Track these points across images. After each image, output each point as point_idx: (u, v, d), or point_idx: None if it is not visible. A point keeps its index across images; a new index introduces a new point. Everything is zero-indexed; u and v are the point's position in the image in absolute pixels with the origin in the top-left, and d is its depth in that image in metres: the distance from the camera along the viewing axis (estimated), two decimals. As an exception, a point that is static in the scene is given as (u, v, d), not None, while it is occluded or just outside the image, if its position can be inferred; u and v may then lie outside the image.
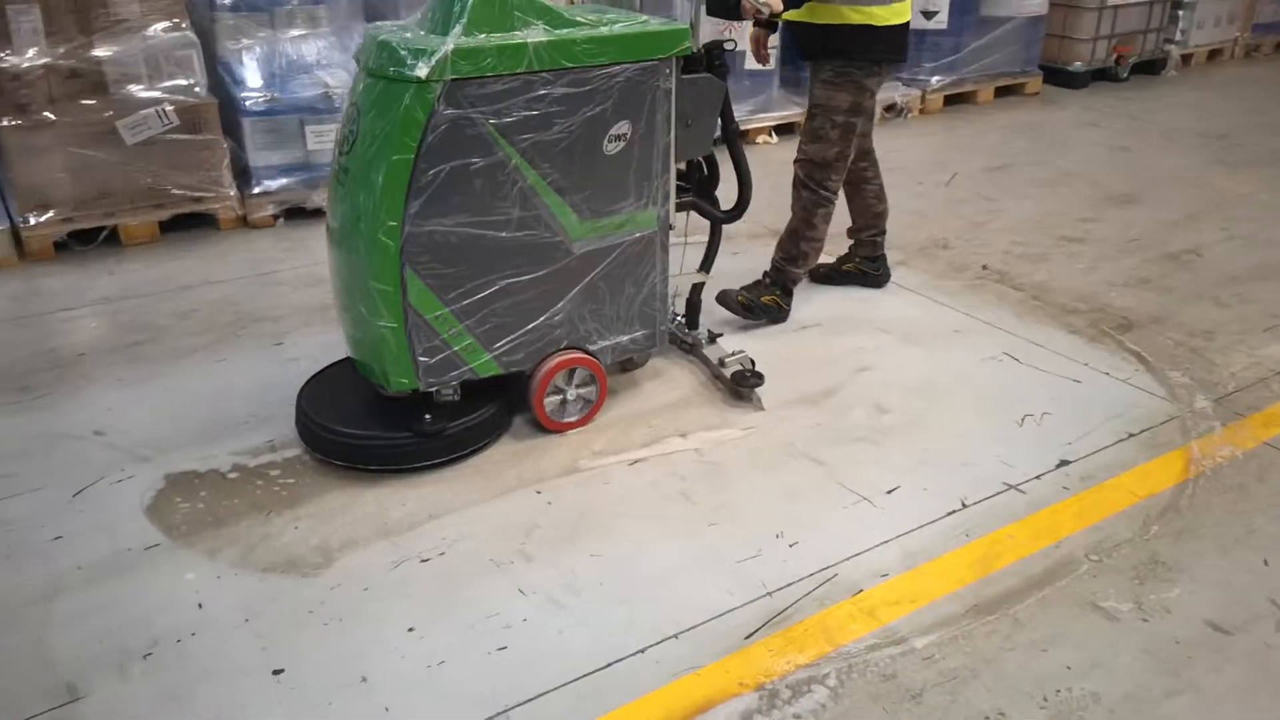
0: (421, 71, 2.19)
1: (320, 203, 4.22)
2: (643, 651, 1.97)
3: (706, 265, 3.01)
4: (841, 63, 3.07)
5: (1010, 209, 4.48)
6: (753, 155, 5.24)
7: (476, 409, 2.57)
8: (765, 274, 3.36)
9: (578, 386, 2.68)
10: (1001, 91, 6.46)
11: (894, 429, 2.73)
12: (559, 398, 2.67)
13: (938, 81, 6.14)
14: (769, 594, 2.12)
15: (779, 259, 3.33)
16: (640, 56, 2.43)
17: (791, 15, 2.99)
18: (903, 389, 2.93)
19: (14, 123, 3.68)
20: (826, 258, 3.54)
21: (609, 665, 1.93)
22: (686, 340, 3.08)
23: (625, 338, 2.71)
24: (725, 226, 2.98)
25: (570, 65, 2.33)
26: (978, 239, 4.12)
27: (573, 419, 2.70)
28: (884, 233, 3.57)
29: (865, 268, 3.60)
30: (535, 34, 2.29)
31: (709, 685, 1.89)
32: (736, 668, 1.92)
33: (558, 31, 2.32)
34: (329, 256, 2.52)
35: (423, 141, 2.24)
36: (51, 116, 3.71)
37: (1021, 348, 3.18)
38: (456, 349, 2.47)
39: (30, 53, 3.67)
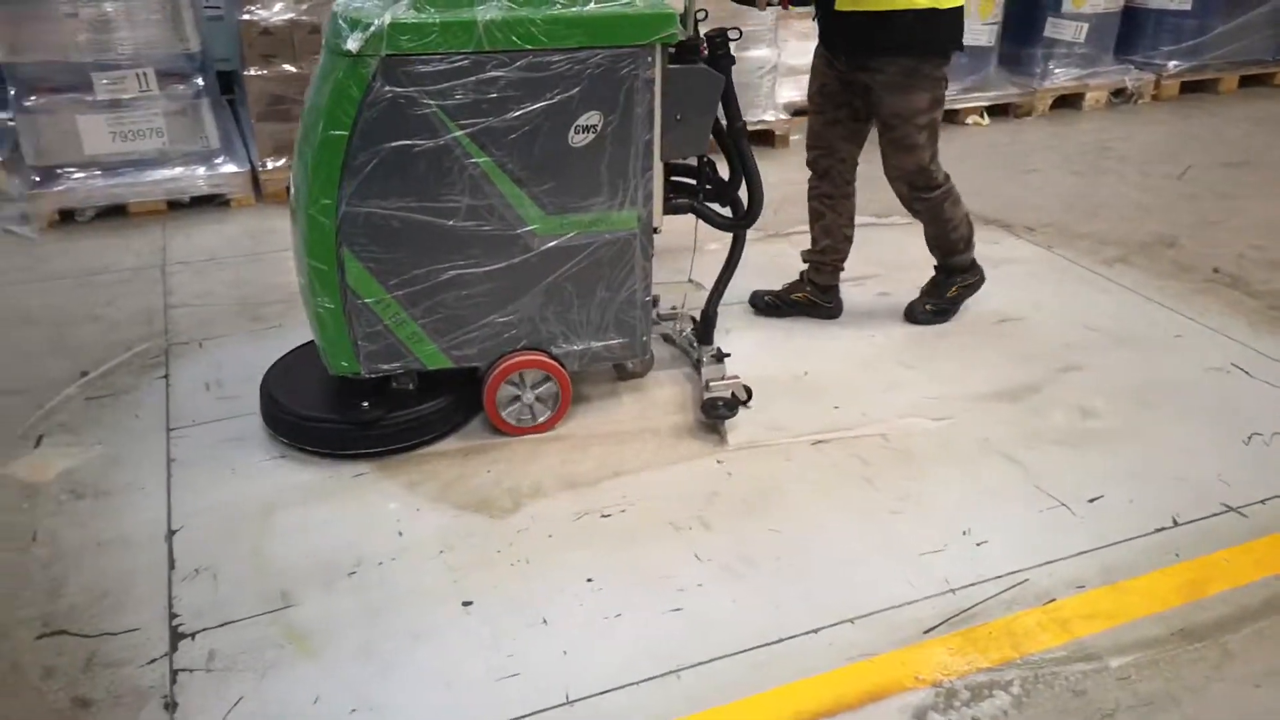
0: (353, 45, 2.05)
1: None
2: (816, 632, 1.95)
3: (723, 277, 2.72)
4: (908, 60, 2.67)
5: (1249, 209, 4.09)
6: (960, 137, 5.10)
7: (424, 402, 2.46)
8: (936, 270, 3.14)
9: (533, 388, 2.50)
10: (1247, 81, 5.89)
11: (1100, 434, 2.57)
12: (515, 399, 2.50)
13: (1175, 66, 5.66)
14: (952, 590, 2.05)
15: (941, 259, 3.09)
16: (613, 42, 2.19)
17: (841, 2, 2.62)
18: (1112, 392, 2.75)
19: (259, 73, 3.98)
20: (773, 285, 3.22)
21: (781, 641, 1.93)
22: (691, 355, 2.83)
23: (598, 344, 2.52)
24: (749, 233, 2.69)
25: (526, 47, 2.13)
26: (1210, 239, 3.79)
27: (530, 424, 2.53)
28: (844, 262, 3.15)
29: (816, 298, 3.15)
30: (489, 11, 2.10)
31: (882, 674, 1.85)
32: (913, 661, 1.87)
33: (516, 10, 2.12)
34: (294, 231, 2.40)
35: (358, 119, 2.11)
36: (292, 69, 3.99)
37: (1253, 360, 2.91)
38: (400, 337, 2.36)
39: (277, 7, 3.95)
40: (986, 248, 3.71)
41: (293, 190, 2.32)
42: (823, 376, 2.85)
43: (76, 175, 3.86)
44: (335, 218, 2.19)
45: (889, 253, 3.66)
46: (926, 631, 1.95)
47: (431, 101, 2.14)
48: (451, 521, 2.24)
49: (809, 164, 3.04)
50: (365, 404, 2.41)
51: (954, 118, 5.25)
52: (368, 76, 2.09)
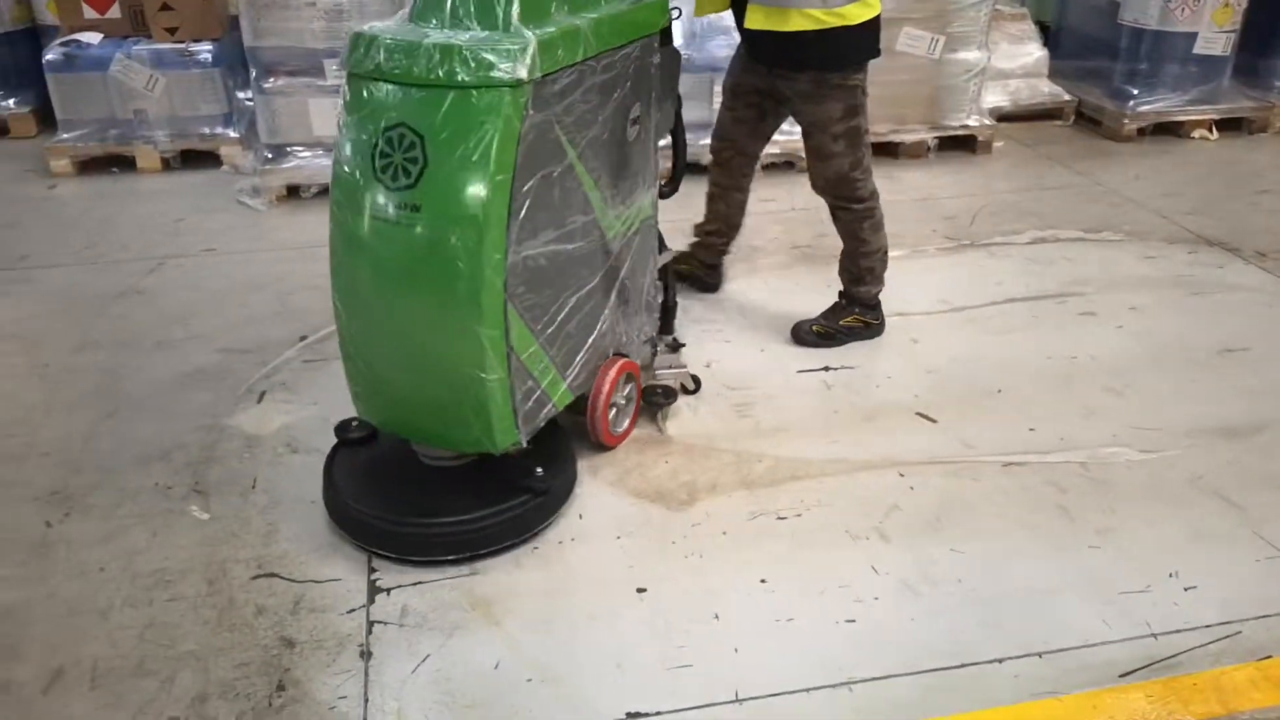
0: (521, 72, 1.82)
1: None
2: (999, 662, 1.87)
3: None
4: (817, 72, 2.67)
5: None
6: (1183, 151, 4.75)
7: (550, 450, 2.24)
8: (839, 295, 3.00)
9: (622, 394, 2.45)
10: None
11: (1334, 484, 2.34)
12: (614, 409, 2.43)
13: None
14: (1154, 635, 1.91)
15: (846, 282, 2.96)
16: (644, 33, 2.21)
17: (750, 21, 2.59)
18: (1352, 440, 2.50)
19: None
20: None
21: (961, 666, 1.86)
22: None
23: (645, 329, 2.54)
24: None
25: (608, 48, 2.07)
26: None
27: (623, 428, 2.49)
28: (729, 245, 3.26)
29: (699, 271, 3.28)
30: (576, 19, 1.99)
31: (1071, 714, 1.75)
32: (1106, 705, 1.77)
33: (591, 14, 2.03)
34: (354, 314, 2.07)
35: (517, 155, 1.88)
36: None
37: None
38: (544, 385, 2.13)
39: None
40: (1209, 271, 3.47)
41: (397, 268, 1.96)
42: (1017, 395, 2.73)
43: (304, 154, 4.17)
44: (505, 272, 1.93)
45: (1096, 270, 3.46)
46: (1122, 675, 1.83)
47: (557, 122, 1.98)
48: (629, 509, 2.28)
49: (711, 151, 3.13)
50: (539, 469, 2.16)
51: (1177, 131, 4.90)
52: (525, 106, 1.86)
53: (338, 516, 2.17)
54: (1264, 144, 4.89)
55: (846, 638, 1.93)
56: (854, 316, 3.00)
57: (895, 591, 2.04)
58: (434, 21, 1.94)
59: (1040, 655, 1.87)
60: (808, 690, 1.81)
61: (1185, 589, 2.03)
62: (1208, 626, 1.93)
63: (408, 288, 1.97)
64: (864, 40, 2.69)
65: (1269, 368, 2.84)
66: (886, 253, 2.96)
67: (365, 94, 1.93)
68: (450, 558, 2.09)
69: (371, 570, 2.09)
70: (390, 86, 1.90)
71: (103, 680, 1.84)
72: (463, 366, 1.98)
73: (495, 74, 1.83)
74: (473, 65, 1.83)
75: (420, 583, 2.05)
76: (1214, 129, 4.92)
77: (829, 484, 2.37)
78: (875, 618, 1.97)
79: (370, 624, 1.95)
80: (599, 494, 2.33)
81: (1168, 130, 4.91)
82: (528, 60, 1.83)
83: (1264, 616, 1.95)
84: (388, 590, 2.04)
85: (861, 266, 2.94)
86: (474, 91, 1.84)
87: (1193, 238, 3.72)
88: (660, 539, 2.19)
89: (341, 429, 2.28)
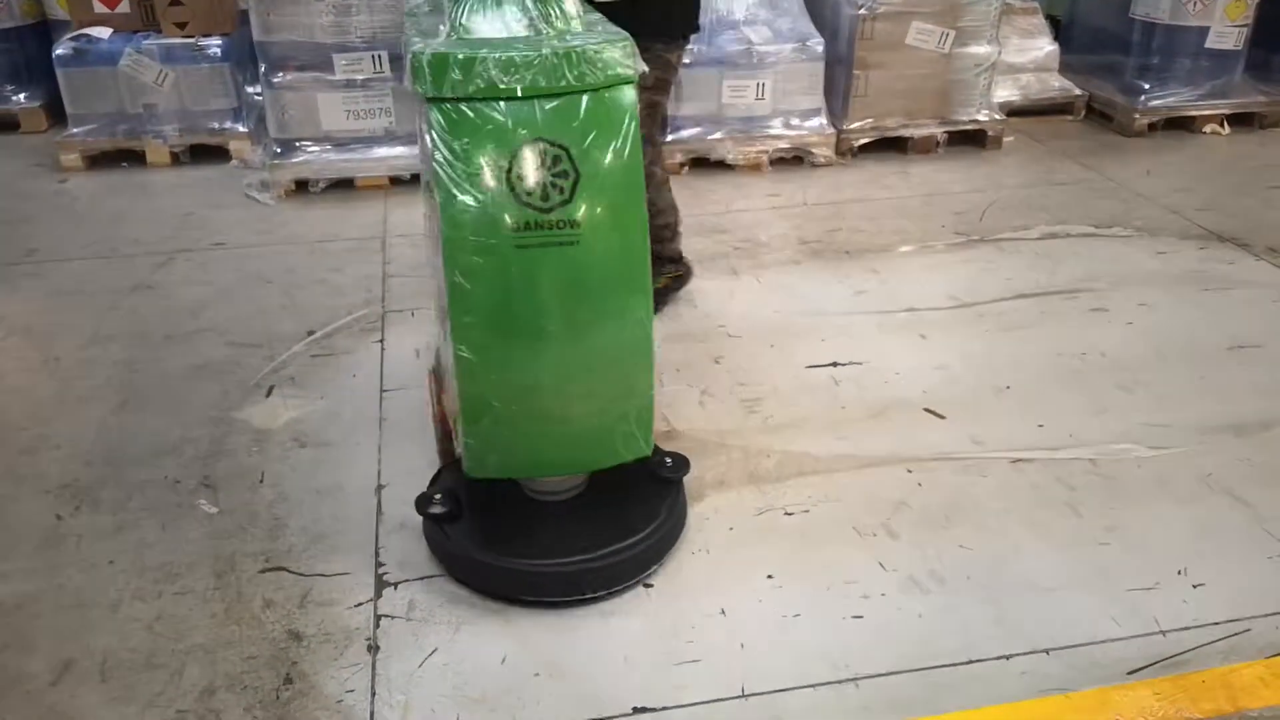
0: (641, 67, 1.79)
1: (726, 154, 4.38)
2: (1007, 658, 1.86)
3: None
4: (642, 40, 2.47)
5: None
6: (1194, 146, 4.73)
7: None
8: None
9: None
10: None
11: (1346, 482, 2.33)
12: None
13: None
14: (1162, 633, 1.91)
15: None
16: None
17: None
18: (1363, 437, 2.48)
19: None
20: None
21: (969, 663, 1.85)
22: None
23: None
24: None
25: None
26: None
27: None
28: (679, 225, 3.12)
29: (672, 273, 3.12)
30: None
31: (1079, 711, 1.75)
32: (1115, 702, 1.76)
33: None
34: (499, 362, 1.84)
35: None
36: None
37: None
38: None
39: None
40: (1220, 267, 3.45)
41: (573, 299, 1.84)
42: (1026, 391, 2.72)
43: (312, 149, 4.17)
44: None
45: (1107, 266, 3.44)
46: (1131, 673, 1.82)
47: None
48: (637, 504, 2.28)
49: None
50: (666, 459, 2.18)
51: (1189, 126, 4.87)
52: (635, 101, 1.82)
53: (483, 576, 2.01)
54: (1276, 139, 4.86)
55: (853, 634, 1.92)
56: (665, 277, 3.05)
57: (903, 588, 2.03)
58: (496, 27, 1.81)
59: (1048, 652, 1.87)
60: (814, 686, 1.81)
61: (1194, 586, 2.02)
62: (1217, 624, 1.92)
63: (580, 305, 1.85)
64: (688, 12, 2.77)
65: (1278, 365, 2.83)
66: (675, 206, 3.06)
67: (474, 116, 1.72)
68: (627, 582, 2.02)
69: (379, 565, 2.10)
70: (509, 104, 1.72)
71: (112, 672, 1.85)
72: (636, 371, 1.93)
73: (621, 71, 1.77)
74: (599, 66, 1.75)
75: (427, 576, 2.06)
76: (1225, 124, 4.89)
77: (837, 480, 2.37)
78: (882, 614, 1.97)
79: (378, 618, 1.96)
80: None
81: (1179, 125, 4.88)
82: (635, 54, 1.79)
83: (1273, 614, 1.95)
84: (395, 584, 2.04)
85: (658, 226, 2.86)
86: (605, 93, 1.78)
87: (1204, 233, 3.70)
88: (667, 534, 2.19)
89: (423, 503, 2.06)
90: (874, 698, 1.79)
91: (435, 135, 1.72)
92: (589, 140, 1.76)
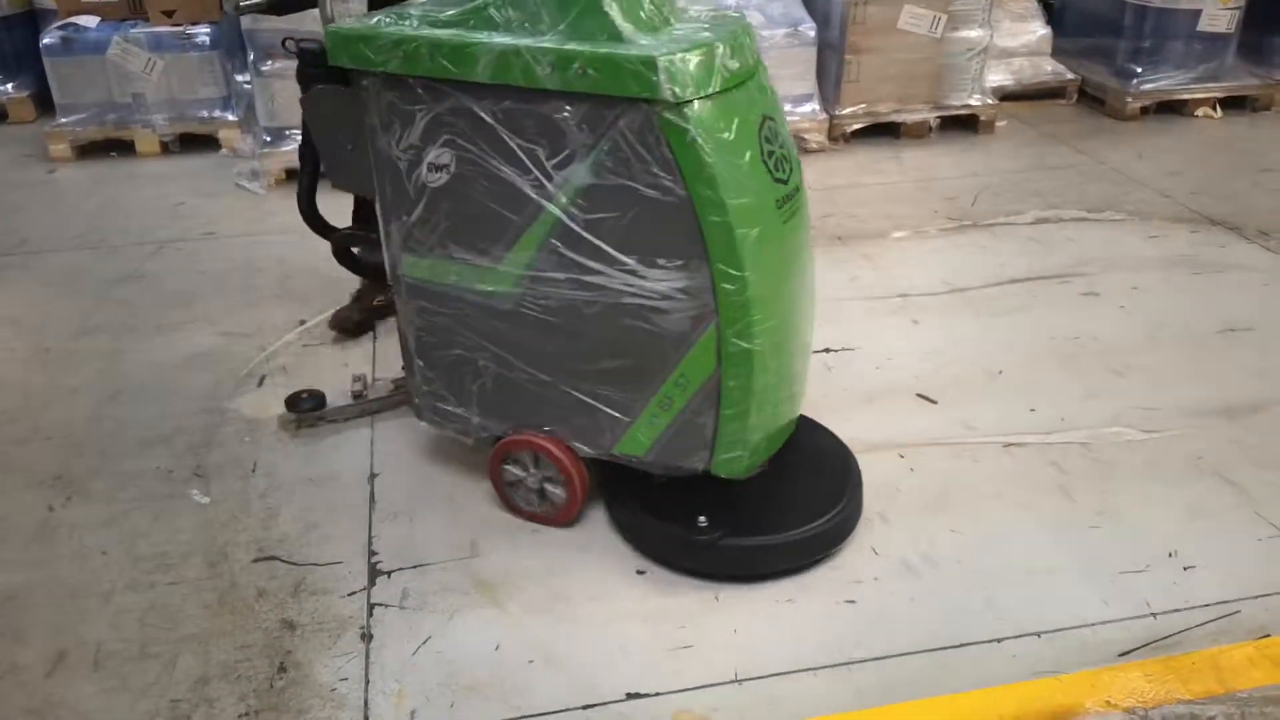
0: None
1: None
2: (999, 641, 1.87)
3: None
4: None
5: None
6: (1186, 129, 4.73)
7: None
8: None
9: None
10: None
11: (1336, 463, 2.34)
12: None
13: None
14: (1153, 615, 1.92)
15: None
16: None
17: None
18: (1353, 419, 2.49)
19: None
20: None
21: (961, 646, 1.86)
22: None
23: None
24: None
25: None
26: None
27: None
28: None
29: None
30: None
31: (1070, 693, 1.76)
32: (1105, 683, 1.77)
33: None
34: (779, 347, 1.91)
35: None
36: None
37: None
38: None
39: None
40: (1212, 251, 3.45)
41: (800, 273, 1.95)
42: (1018, 376, 2.72)
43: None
44: None
45: (1099, 250, 3.44)
46: (1121, 654, 1.83)
47: None
48: (630, 491, 2.28)
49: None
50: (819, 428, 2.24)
51: (1181, 109, 4.86)
52: None
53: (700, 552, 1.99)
54: (1268, 122, 4.86)
55: (846, 619, 1.93)
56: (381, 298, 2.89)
57: (895, 572, 2.04)
58: (649, 24, 1.78)
59: (1039, 635, 1.88)
60: (808, 670, 1.81)
61: (1185, 568, 2.03)
62: (1207, 606, 1.93)
63: (809, 277, 1.98)
64: None
65: (1271, 347, 2.83)
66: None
67: (726, 108, 1.74)
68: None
69: (372, 553, 2.10)
70: (738, 90, 1.78)
71: (105, 663, 1.85)
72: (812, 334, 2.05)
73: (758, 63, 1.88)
74: (752, 48, 1.86)
75: (421, 565, 2.06)
76: (1218, 107, 4.88)
77: (829, 465, 2.37)
78: (875, 599, 1.98)
79: (371, 606, 1.96)
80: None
81: (1171, 109, 4.88)
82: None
83: (1263, 595, 1.96)
84: (388, 573, 2.04)
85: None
86: (760, 65, 1.89)
87: (1196, 217, 3.71)
88: (660, 521, 2.19)
89: (700, 531, 1.98)
90: (868, 681, 1.79)
91: (697, 135, 1.69)
92: (776, 109, 1.87)
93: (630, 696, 1.76)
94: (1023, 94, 5.02)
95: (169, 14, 4.41)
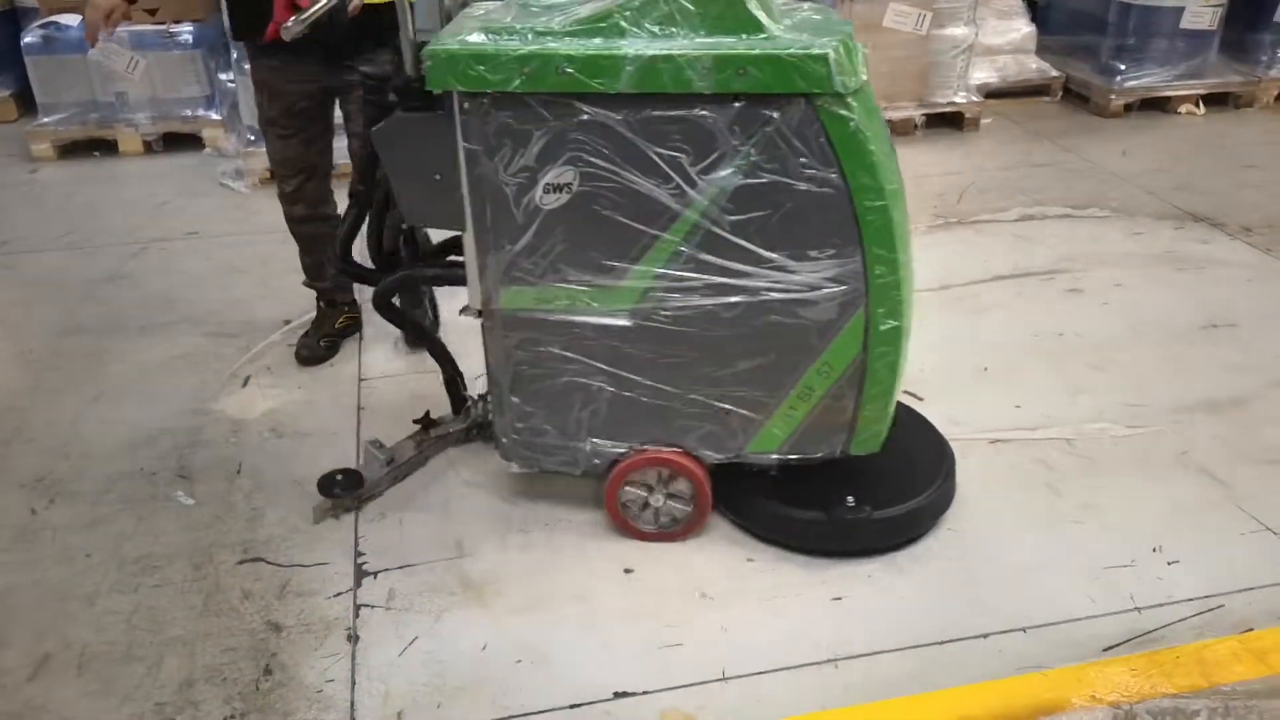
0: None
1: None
2: (985, 637, 1.88)
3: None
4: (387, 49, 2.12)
5: None
6: (1169, 126, 4.76)
7: None
8: (319, 304, 2.90)
9: None
10: None
11: (1318, 458, 2.35)
12: None
13: None
14: (1137, 609, 1.93)
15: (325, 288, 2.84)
16: None
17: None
18: (1335, 414, 2.51)
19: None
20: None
21: (947, 642, 1.87)
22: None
23: None
24: None
25: None
26: None
27: None
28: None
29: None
30: None
31: (1055, 689, 1.77)
32: (1090, 679, 1.78)
33: None
34: (912, 313, 2.02)
35: None
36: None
37: None
38: None
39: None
40: (1195, 247, 3.47)
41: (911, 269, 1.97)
42: (1004, 373, 2.73)
43: (287, 136, 4.12)
44: None
45: (1083, 247, 3.46)
46: (1106, 649, 1.84)
47: None
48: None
49: (289, 195, 2.67)
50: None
51: (1164, 106, 4.89)
52: None
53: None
54: (1251, 119, 4.89)
55: (834, 615, 1.93)
56: (345, 316, 2.89)
57: (882, 569, 2.04)
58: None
59: (1025, 630, 1.89)
60: (795, 668, 1.82)
61: (1169, 563, 2.04)
62: (1191, 600, 1.94)
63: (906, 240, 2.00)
64: None
65: (1254, 343, 2.85)
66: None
67: (867, 98, 1.80)
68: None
69: (358, 554, 2.09)
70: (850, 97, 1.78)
71: (90, 666, 1.84)
72: (900, 360, 2.02)
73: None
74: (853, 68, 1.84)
75: (407, 565, 2.05)
76: (1201, 104, 4.91)
77: (816, 463, 2.37)
78: (863, 595, 1.98)
79: (357, 607, 1.95)
80: (583, 484, 2.33)
81: (1155, 106, 4.90)
82: None
83: (1246, 590, 1.97)
84: (374, 574, 2.03)
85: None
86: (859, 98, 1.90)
87: (1179, 213, 3.73)
88: (647, 520, 2.19)
89: (843, 509, 2.04)
90: (855, 678, 1.80)
91: (860, 125, 1.72)
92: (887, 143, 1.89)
93: (618, 695, 1.76)
94: (1008, 91, 5.04)
95: (152, 12, 4.38)
